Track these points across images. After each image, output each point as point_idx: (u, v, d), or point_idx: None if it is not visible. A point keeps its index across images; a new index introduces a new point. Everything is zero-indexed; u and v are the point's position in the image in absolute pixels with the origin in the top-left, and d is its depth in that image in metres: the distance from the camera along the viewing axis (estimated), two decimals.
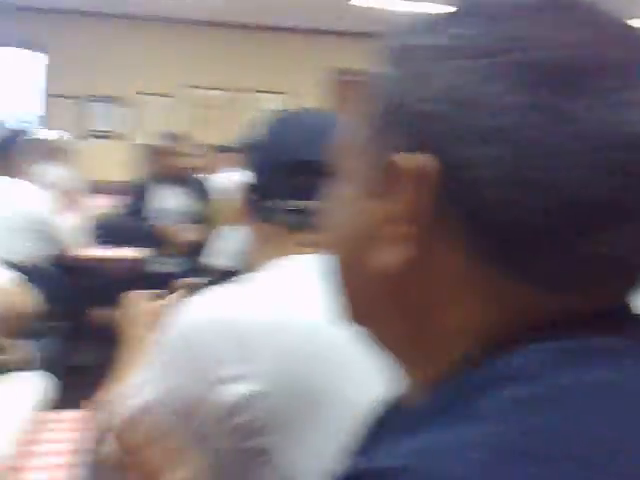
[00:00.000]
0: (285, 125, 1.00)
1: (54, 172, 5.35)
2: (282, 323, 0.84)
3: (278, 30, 7.18)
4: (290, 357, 0.83)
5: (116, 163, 6.68)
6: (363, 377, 0.85)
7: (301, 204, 0.95)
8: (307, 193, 0.94)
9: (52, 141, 5.44)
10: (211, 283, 1.00)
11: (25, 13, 6.70)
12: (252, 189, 0.97)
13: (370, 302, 0.44)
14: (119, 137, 7.27)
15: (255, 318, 0.83)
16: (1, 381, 1.41)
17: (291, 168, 0.94)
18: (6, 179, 2.85)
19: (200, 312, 0.85)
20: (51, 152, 5.38)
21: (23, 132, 3.28)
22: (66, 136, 5.62)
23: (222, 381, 0.80)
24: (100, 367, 3.26)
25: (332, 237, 0.47)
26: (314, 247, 0.93)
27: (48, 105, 7.09)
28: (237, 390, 0.80)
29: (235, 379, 0.80)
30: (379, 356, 0.47)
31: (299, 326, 0.85)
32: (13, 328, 1.52)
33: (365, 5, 6.05)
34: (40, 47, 7.06)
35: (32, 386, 1.27)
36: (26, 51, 7.23)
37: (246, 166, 1.00)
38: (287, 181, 0.94)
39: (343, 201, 0.45)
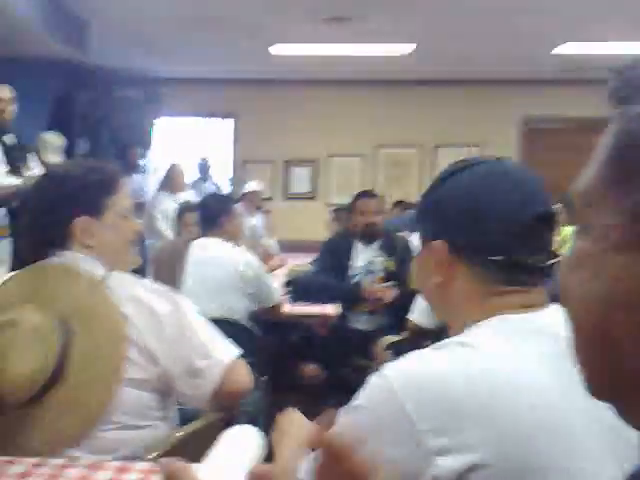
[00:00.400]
0: (486, 179, 0.93)
1: (253, 224, 5.73)
2: (503, 391, 0.78)
3: (470, 83, 7.18)
4: (511, 429, 0.76)
5: (310, 222, 6.99)
6: (595, 453, 0.77)
7: (518, 260, 0.89)
8: (522, 249, 0.89)
9: (251, 193, 5.86)
10: (411, 342, 0.97)
11: (215, 84, 7.34)
12: (457, 246, 0.92)
13: (624, 377, 0.38)
14: (312, 198, 7.62)
15: (473, 384, 0.77)
16: (216, 436, 1.47)
17: (507, 223, 0.88)
18: (217, 240, 3.07)
19: (414, 377, 0.80)
20: (250, 205, 5.80)
21: (229, 197, 3.54)
22: (261, 188, 5.99)
23: (439, 452, 0.75)
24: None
25: (569, 299, 0.41)
26: (525, 306, 0.88)
27: (240, 169, 7.64)
28: (454, 463, 0.74)
29: (452, 450, 0.75)
30: (618, 430, 0.40)
31: (522, 395, 0.78)
32: (233, 404, 1.62)
33: (567, 52, 5.84)
34: (230, 114, 7.67)
35: (246, 440, 1.31)
36: (216, 119, 7.90)
37: (441, 222, 0.95)
38: (502, 237, 0.89)
39: (582, 257, 0.39)
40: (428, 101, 7.31)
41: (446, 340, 0.85)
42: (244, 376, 1.51)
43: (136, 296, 1.41)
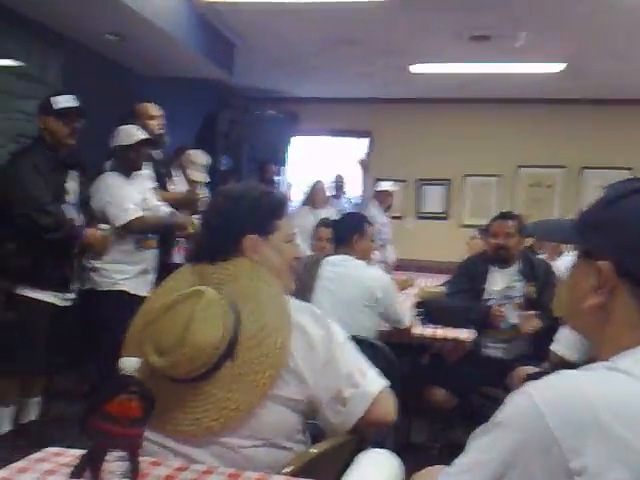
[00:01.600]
0: None
1: (383, 222, 5.70)
2: None
3: (622, 103, 6.78)
4: None
5: (441, 243, 6.86)
6: None
7: None
8: None
9: (383, 192, 5.84)
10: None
11: (350, 103, 7.41)
12: (626, 268, 0.87)
13: None
14: (445, 218, 7.48)
15: (618, 407, 0.75)
16: (348, 456, 1.45)
17: None
18: (348, 257, 3.07)
19: (557, 394, 0.78)
20: (381, 204, 5.78)
21: (363, 216, 3.51)
22: (393, 189, 5.97)
23: (579, 473, 0.73)
24: (430, 447, 3.21)
25: None
26: None
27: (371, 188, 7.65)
28: None
29: (591, 472, 0.73)
30: None
31: None
32: (372, 432, 1.61)
33: None
34: (365, 133, 7.70)
35: (385, 465, 1.28)
36: (351, 138, 7.97)
37: (612, 241, 0.89)
38: None
39: None
40: (574, 121, 6.96)
41: (593, 364, 0.84)
42: (390, 409, 1.49)
43: (292, 317, 1.43)
